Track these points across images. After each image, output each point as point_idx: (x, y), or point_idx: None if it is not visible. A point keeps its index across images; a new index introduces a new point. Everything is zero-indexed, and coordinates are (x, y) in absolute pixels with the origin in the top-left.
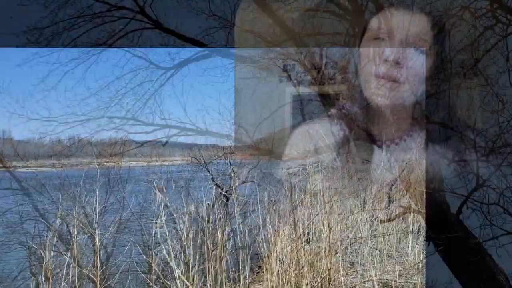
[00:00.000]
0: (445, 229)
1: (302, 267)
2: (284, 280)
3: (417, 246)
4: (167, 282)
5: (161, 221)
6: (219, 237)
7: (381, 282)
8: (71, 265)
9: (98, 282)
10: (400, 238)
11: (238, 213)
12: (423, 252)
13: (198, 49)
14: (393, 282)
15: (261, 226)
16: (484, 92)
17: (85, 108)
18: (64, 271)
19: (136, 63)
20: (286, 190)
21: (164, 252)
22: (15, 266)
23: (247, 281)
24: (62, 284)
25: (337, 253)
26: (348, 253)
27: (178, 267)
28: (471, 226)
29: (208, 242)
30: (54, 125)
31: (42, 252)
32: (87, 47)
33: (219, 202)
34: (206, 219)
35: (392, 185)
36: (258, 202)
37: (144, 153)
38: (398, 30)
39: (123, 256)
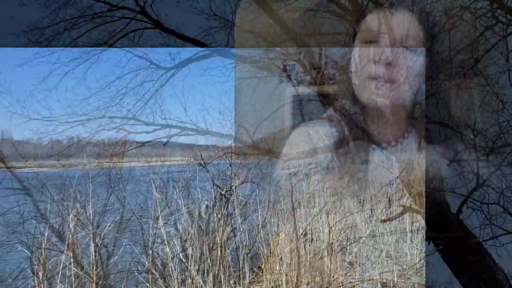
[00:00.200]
0: (445, 229)
1: (303, 267)
2: (283, 281)
3: (416, 246)
4: (167, 282)
5: (161, 221)
6: (219, 237)
7: (380, 282)
8: (71, 265)
9: (95, 282)
10: (400, 238)
11: (238, 213)
12: (423, 252)
13: (199, 49)
14: (391, 283)
15: (261, 226)
16: (484, 92)
17: (86, 108)
18: (65, 271)
19: (136, 63)
20: (286, 190)
21: (165, 251)
22: (15, 265)
23: (247, 281)
24: (62, 284)
25: (337, 252)
26: (347, 253)
27: (178, 267)
28: (471, 225)
29: (208, 242)
30: (55, 125)
31: (42, 251)
32: (88, 47)
33: (219, 202)
34: (207, 219)
35: (392, 185)
36: (258, 202)
37: (144, 153)
38: (390, 31)
39: (123, 256)
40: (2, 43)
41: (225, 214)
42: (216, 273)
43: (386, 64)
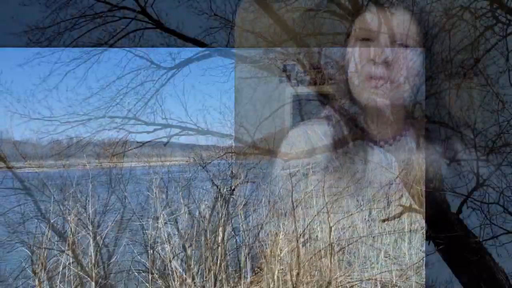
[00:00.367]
0: (445, 228)
1: (302, 267)
2: (282, 281)
3: (416, 245)
4: (168, 281)
5: (161, 220)
6: (220, 237)
7: (380, 281)
8: (71, 265)
9: (95, 281)
10: (400, 238)
11: (238, 213)
12: (422, 252)
13: (199, 49)
14: (390, 284)
15: (261, 226)
16: (484, 92)
17: (86, 108)
18: (66, 271)
19: (137, 63)
20: (286, 190)
21: (166, 251)
22: (16, 265)
23: (247, 281)
24: (63, 284)
25: (337, 252)
26: (346, 253)
27: (178, 267)
28: (471, 225)
29: (208, 242)
30: (55, 125)
31: (42, 251)
32: (89, 47)
33: (220, 202)
34: (207, 219)
35: (391, 184)
36: (256, 202)
37: (145, 153)
38: (390, 30)
39: (124, 256)
40: (2, 43)
41: (225, 213)
42: (217, 272)
43: (385, 64)
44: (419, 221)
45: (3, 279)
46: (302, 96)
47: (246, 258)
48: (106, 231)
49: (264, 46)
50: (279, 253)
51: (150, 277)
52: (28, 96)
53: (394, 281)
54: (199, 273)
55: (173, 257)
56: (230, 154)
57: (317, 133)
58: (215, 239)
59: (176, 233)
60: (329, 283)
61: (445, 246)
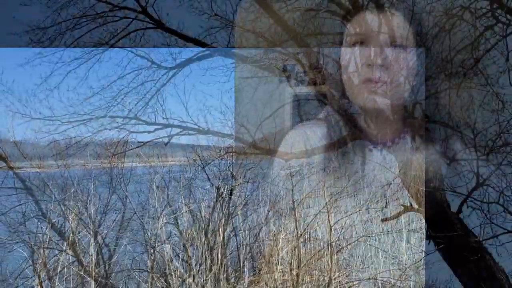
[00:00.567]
0: (445, 228)
1: (303, 267)
2: (282, 281)
3: (416, 245)
4: (168, 281)
5: (161, 220)
6: (220, 237)
7: (380, 281)
8: (72, 264)
9: (94, 280)
10: (399, 238)
11: (238, 213)
12: (422, 251)
13: (200, 49)
14: (389, 284)
15: (261, 226)
16: (484, 92)
17: (87, 108)
18: (66, 270)
19: (138, 62)
20: (286, 190)
21: (166, 250)
22: (17, 264)
23: (247, 280)
24: (64, 282)
25: (337, 252)
26: (346, 253)
27: (179, 266)
28: (471, 224)
29: (209, 241)
30: (56, 125)
31: (44, 250)
32: (90, 47)
33: (220, 202)
34: (208, 218)
35: (391, 184)
36: (256, 202)
37: (146, 153)
38: (386, 30)
39: (124, 255)
40: (4, 43)
41: (225, 213)
42: (217, 272)
43: (382, 66)
44: (419, 221)
45: (5, 277)
46: (303, 96)
47: (244, 257)
48: (107, 231)
49: (264, 46)
50: (279, 253)
51: (150, 277)
52: (29, 95)
53: (396, 279)
54: (199, 272)
55: (174, 257)
56: (231, 154)
57: (317, 134)
58: (215, 239)
59: (177, 232)
60: (329, 283)
61: (445, 245)
